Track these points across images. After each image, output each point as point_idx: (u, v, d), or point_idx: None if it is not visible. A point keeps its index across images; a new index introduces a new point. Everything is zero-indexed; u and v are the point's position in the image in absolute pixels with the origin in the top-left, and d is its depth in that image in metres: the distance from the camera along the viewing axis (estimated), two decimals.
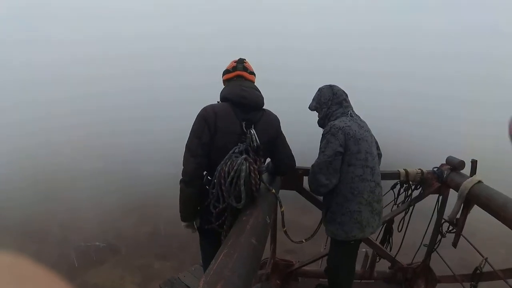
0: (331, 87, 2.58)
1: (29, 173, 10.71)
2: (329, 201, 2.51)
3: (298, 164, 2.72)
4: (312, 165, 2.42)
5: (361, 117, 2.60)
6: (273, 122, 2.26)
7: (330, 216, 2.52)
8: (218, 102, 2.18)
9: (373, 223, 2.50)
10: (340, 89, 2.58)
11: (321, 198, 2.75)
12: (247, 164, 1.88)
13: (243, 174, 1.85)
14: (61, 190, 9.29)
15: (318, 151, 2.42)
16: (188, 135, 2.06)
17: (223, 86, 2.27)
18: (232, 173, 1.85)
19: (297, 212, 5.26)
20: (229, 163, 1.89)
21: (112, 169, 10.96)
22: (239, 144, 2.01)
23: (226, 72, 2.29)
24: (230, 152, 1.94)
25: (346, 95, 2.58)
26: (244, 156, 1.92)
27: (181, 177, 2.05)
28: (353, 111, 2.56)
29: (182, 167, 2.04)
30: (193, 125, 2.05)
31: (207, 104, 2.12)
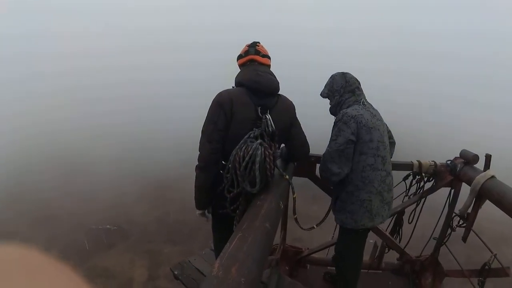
0: (343, 75, 2.54)
1: (44, 159, 10.95)
2: (339, 189, 2.50)
3: (311, 151, 2.74)
4: (324, 154, 2.40)
5: (373, 106, 2.59)
6: (288, 108, 2.24)
7: (340, 205, 2.52)
8: (232, 87, 2.16)
9: (383, 213, 2.50)
10: (353, 77, 2.55)
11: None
12: (262, 149, 1.88)
13: (258, 159, 1.85)
14: (75, 176, 9.50)
15: (329, 139, 2.40)
16: (204, 120, 2.05)
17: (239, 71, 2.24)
18: (247, 158, 1.85)
19: (307, 201, 5.27)
20: (244, 147, 1.89)
21: (125, 156, 11.14)
22: (254, 129, 2.00)
23: (239, 57, 2.24)
24: (245, 137, 1.94)
25: (359, 83, 2.56)
26: (259, 141, 1.92)
27: (197, 163, 2.04)
28: (365, 99, 2.53)
29: (198, 152, 2.03)
30: (208, 111, 2.03)
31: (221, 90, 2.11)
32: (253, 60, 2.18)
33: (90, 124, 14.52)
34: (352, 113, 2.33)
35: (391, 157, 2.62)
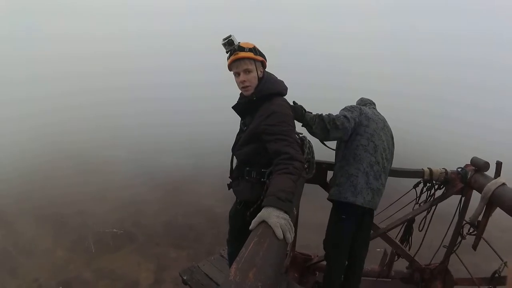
0: (361, 98, 3.16)
1: (56, 158, 11.10)
2: (335, 166, 2.79)
3: (322, 158, 2.83)
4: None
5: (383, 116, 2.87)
6: None
7: (332, 180, 2.79)
8: (272, 97, 2.08)
9: (366, 195, 2.59)
10: (369, 99, 3.11)
11: None
12: (311, 143, 2.37)
13: (313, 149, 2.36)
14: (86, 176, 9.63)
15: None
16: (283, 126, 1.97)
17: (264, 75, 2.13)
18: (306, 150, 2.32)
19: (315, 208, 5.27)
20: (308, 145, 2.36)
21: (136, 158, 11.25)
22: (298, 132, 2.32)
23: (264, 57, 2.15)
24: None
25: (374, 104, 3.06)
26: (308, 139, 2.38)
27: (297, 165, 1.83)
28: (375, 109, 2.94)
29: (293, 155, 1.85)
30: (286, 120, 2.00)
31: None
32: None
33: (104, 126, 14.72)
34: (359, 106, 2.81)
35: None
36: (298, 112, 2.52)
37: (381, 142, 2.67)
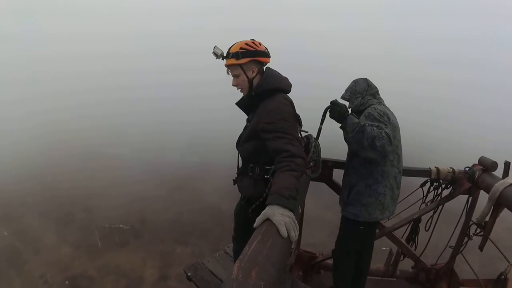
0: (366, 80, 2.66)
1: (62, 156, 11.19)
2: (357, 181, 2.53)
3: (328, 156, 2.77)
4: (368, 129, 2.20)
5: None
6: None
7: (354, 198, 2.55)
8: (268, 93, 2.04)
9: (391, 208, 2.56)
10: (375, 86, 2.66)
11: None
12: (317, 142, 2.30)
13: (319, 148, 2.28)
14: (91, 173, 9.70)
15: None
16: (282, 123, 1.92)
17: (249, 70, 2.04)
18: (312, 149, 2.24)
19: (320, 207, 5.26)
20: (314, 144, 2.27)
21: (141, 156, 11.34)
22: (307, 131, 2.28)
23: (266, 55, 2.07)
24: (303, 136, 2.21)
25: (378, 90, 2.66)
26: (314, 137, 2.31)
27: (299, 162, 1.80)
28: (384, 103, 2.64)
29: (294, 152, 1.82)
30: (284, 116, 1.94)
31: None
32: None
33: (107, 125, 14.81)
34: (384, 109, 2.41)
35: None
36: (340, 111, 2.30)
37: (401, 151, 2.54)
